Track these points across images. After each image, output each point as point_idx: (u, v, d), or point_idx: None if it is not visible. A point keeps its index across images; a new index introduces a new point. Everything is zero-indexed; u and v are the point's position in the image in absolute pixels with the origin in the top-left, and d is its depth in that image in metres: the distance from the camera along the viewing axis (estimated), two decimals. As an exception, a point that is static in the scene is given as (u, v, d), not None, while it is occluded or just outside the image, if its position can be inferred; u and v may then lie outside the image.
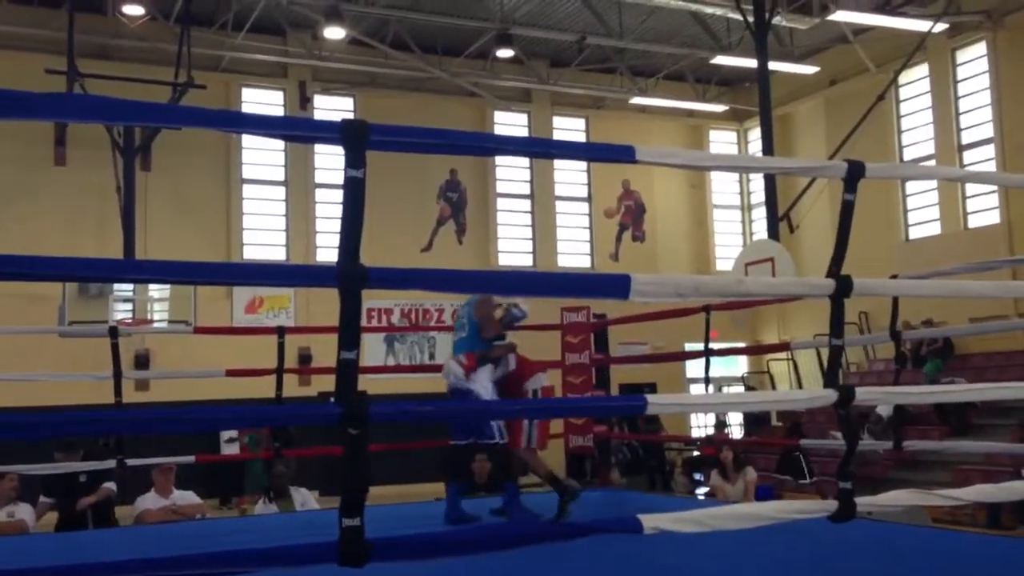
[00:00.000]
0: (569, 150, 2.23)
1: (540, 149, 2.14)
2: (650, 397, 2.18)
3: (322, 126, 2.01)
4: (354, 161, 1.90)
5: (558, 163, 18.76)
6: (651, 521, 2.09)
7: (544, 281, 2.06)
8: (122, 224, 13.84)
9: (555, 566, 3.04)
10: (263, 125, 2.07)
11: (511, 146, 1.99)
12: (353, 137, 1.89)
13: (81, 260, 1.79)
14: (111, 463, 5.95)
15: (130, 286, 13.75)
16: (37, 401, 8.20)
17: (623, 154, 2.15)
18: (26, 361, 11.13)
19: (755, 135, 19.36)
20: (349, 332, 1.90)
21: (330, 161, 16.75)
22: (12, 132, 14.34)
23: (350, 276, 1.88)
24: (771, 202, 13.56)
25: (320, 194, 16.90)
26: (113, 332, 6.06)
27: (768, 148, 13.70)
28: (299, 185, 16.81)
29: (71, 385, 7.96)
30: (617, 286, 2.13)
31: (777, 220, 13.35)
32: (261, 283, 1.91)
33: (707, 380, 6.07)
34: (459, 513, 5.17)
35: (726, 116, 19.91)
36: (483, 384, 5.18)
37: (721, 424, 16.08)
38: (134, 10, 14.05)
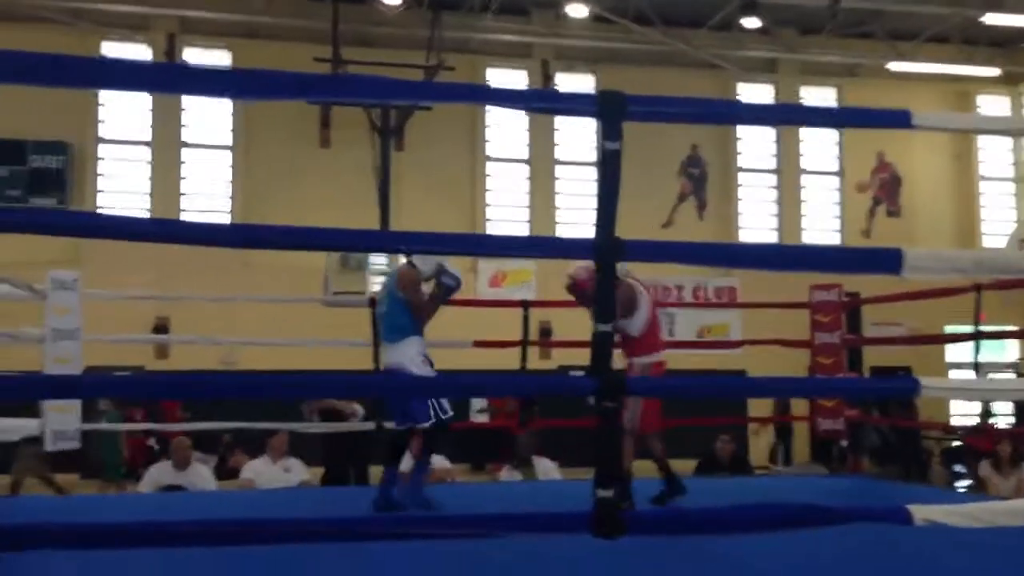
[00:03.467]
0: (834, 118, 2.10)
1: (804, 117, 2.03)
2: (923, 380, 2.03)
3: (578, 99, 2.02)
4: (611, 133, 1.89)
5: (805, 135, 17.95)
6: (922, 512, 1.96)
7: (808, 255, 1.96)
8: (379, 200, 14.68)
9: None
10: (522, 99, 2.10)
11: (771, 115, 1.89)
12: (610, 109, 1.88)
13: (362, 231, 1.90)
14: (371, 425, 6.36)
15: (385, 260, 14.58)
16: (302, 366, 8.88)
17: (897, 120, 2.01)
18: (292, 329, 12.08)
19: (1032, 99, 17.65)
20: (605, 304, 1.90)
21: (571, 138, 16.94)
22: (283, 117, 15.54)
23: (607, 248, 1.88)
24: (1052, 171, 12.28)
25: (560, 171, 17.13)
26: (372, 302, 6.44)
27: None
28: (541, 162, 17.10)
29: (332, 353, 8.58)
30: (888, 261, 2.00)
31: (1058, 192, 12.08)
32: (518, 255, 1.94)
33: (976, 365, 5.60)
34: (388, 500, 4.91)
35: (997, 80, 18.21)
36: (411, 359, 4.85)
37: (987, 414, 14.84)
38: (391, -1, 14.81)
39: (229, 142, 16.10)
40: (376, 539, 2.04)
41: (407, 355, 4.90)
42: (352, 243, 1.89)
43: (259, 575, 3.10)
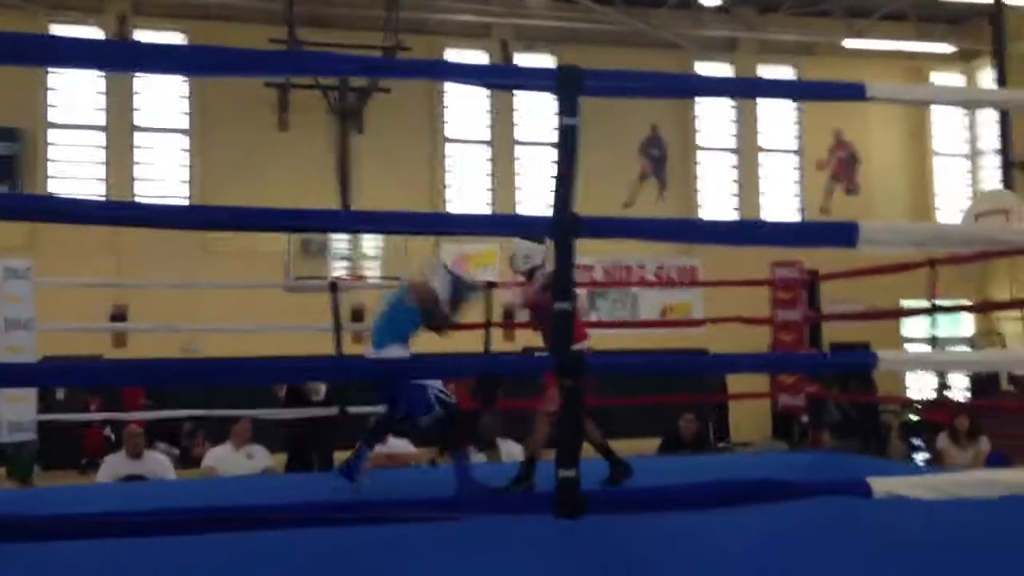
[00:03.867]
0: (792, 90, 2.09)
1: (762, 89, 2.02)
2: (881, 353, 2.04)
3: (536, 74, 1.99)
4: (569, 108, 1.87)
5: (763, 114, 18.08)
6: (882, 485, 1.97)
7: (765, 230, 1.95)
8: (338, 183, 14.56)
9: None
10: (479, 75, 2.06)
11: (728, 88, 1.87)
12: (567, 84, 1.85)
13: (327, 212, 1.85)
14: (334, 411, 6.31)
15: (347, 245, 14.48)
16: (263, 352, 8.79)
17: (852, 92, 2.00)
18: (253, 316, 11.94)
19: (983, 77, 17.86)
20: (563, 282, 1.88)
21: (531, 119, 16.91)
22: (240, 101, 15.33)
23: (565, 225, 1.86)
24: (1005, 148, 12.48)
25: (521, 152, 17.09)
26: (333, 286, 6.39)
27: (1003, 85, 12.59)
28: (502, 144, 17.05)
29: (293, 338, 8.50)
30: (843, 234, 2.00)
31: (1011, 168, 12.28)
32: (477, 232, 1.92)
33: (934, 339, 5.68)
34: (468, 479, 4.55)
35: (951, 57, 18.43)
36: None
37: (943, 387, 15.10)
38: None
39: (185, 126, 15.85)
40: (342, 525, 2.01)
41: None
42: (315, 223, 1.84)
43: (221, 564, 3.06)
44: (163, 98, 15.79)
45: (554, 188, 1.86)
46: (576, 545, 2.69)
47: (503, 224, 1.92)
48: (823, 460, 6.42)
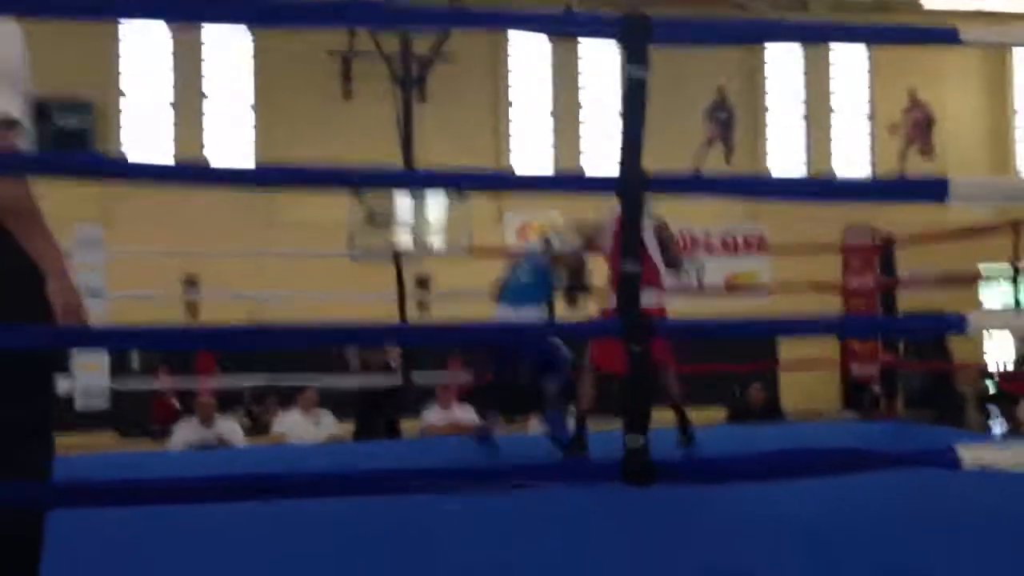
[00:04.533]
0: (877, 36, 1.95)
1: (843, 34, 1.90)
2: (970, 316, 1.92)
3: (599, 21, 1.90)
4: (636, 58, 1.77)
5: (835, 76, 17.57)
6: (971, 454, 1.85)
7: (849, 187, 1.83)
8: (402, 152, 14.56)
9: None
10: (542, 23, 1.98)
11: (804, 33, 1.76)
12: (634, 32, 1.75)
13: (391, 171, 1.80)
14: (399, 380, 6.33)
15: (411, 215, 14.50)
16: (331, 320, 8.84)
17: (943, 36, 1.87)
18: (319, 285, 12.04)
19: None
20: (631, 241, 1.79)
21: (596, 86, 16.70)
22: (304, 70, 15.42)
23: (633, 181, 1.77)
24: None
25: (585, 119, 16.89)
26: (397, 256, 6.36)
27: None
28: (566, 111, 16.87)
29: (359, 307, 8.54)
30: (934, 189, 1.87)
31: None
32: (542, 191, 1.84)
33: (1018, 303, 5.44)
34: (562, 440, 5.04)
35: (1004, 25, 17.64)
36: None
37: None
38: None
39: (251, 96, 15.99)
40: (408, 493, 1.97)
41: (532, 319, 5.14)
42: (378, 181, 1.79)
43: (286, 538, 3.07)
44: (228, 68, 15.96)
45: (621, 143, 1.76)
46: (643, 514, 2.63)
47: (569, 183, 1.84)
48: (900, 430, 6.24)
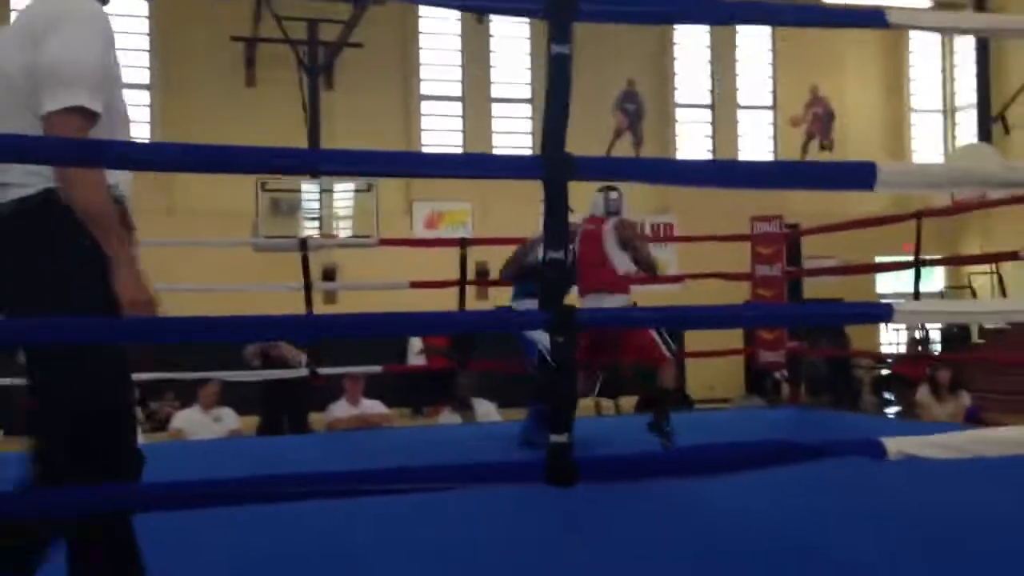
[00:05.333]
0: (810, 17, 1.91)
1: (770, 15, 1.84)
2: (896, 304, 1.89)
3: (523, -3, 1.80)
4: (560, 35, 1.68)
5: (741, 70, 17.90)
6: (897, 445, 1.83)
7: (778, 171, 1.78)
8: (308, 141, 14.23)
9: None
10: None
11: (740, 13, 1.71)
12: (558, 7, 1.66)
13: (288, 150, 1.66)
14: (304, 372, 6.13)
15: (317, 204, 14.19)
16: (234, 312, 8.54)
17: (872, 19, 1.83)
18: (222, 276, 11.69)
19: (961, 31, 17.73)
20: (555, 228, 1.70)
21: (506, 75, 16.63)
22: (205, 54, 14.92)
23: (557, 165, 1.68)
24: (983, 102, 12.37)
25: (496, 109, 16.80)
26: (303, 244, 6.18)
27: (983, 43, 12.46)
28: (476, 100, 16.74)
29: (262, 298, 8.28)
30: (861, 175, 1.83)
31: (990, 122, 12.19)
32: (460, 175, 1.74)
33: (917, 293, 5.57)
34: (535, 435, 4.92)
35: (929, 10, 18.28)
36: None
37: (924, 341, 15.14)
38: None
39: (146, 80, 15.41)
40: (324, 497, 1.84)
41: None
42: (281, 164, 1.67)
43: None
44: (126, 52, 15.33)
45: (545, 123, 1.67)
46: (569, 512, 2.55)
47: (489, 165, 1.75)
48: (807, 416, 6.36)
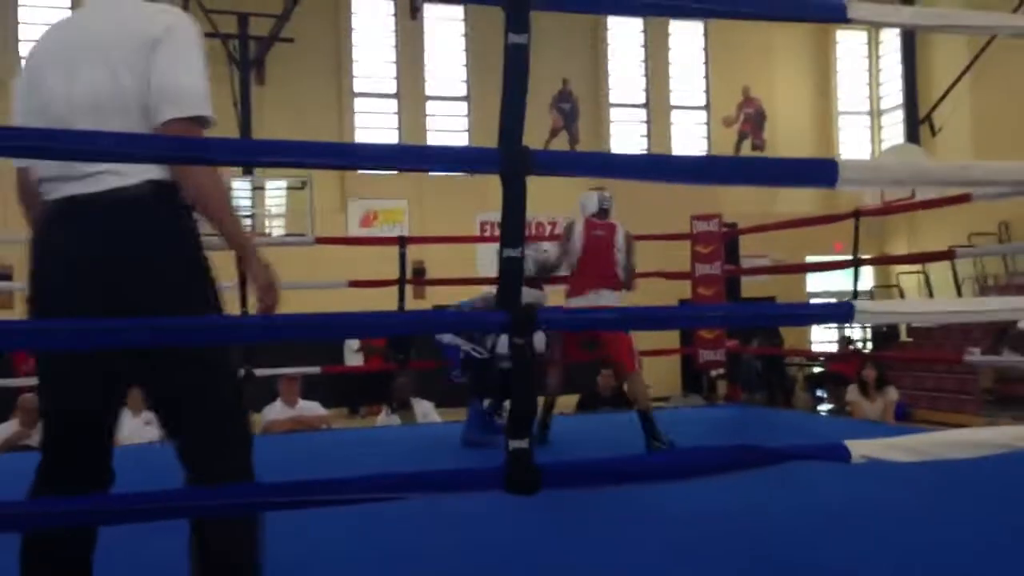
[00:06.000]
0: (767, 9, 1.86)
1: (727, 8, 1.79)
2: (858, 304, 1.86)
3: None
4: (517, 24, 1.60)
5: (675, 71, 18.06)
6: (860, 448, 1.79)
7: (740, 167, 1.74)
8: (240, 136, 13.93)
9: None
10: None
11: (694, 5, 1.65)
12: (516, -5, 1.59)
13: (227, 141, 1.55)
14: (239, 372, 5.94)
15: (249, 201, 13.90)
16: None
17: (831, 12, 1.79)
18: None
19: (887, 35, 18.16)
20: (513, 225, 1.62)
21: (441, 72, 16.52)
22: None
23: (513, 159, 1.60)
24: (911, 104, 12.66)
25: (431, 107, 16.67)
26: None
27: (909, 46, 12.75)
28: (411, 98, 16.59)
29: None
30: (823, 173, 1.80)
31: (917, 123, 12.47)
32: (413, 168, 1.64)
33: (855, 292, 5.63)
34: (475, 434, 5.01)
35: (892, 5, 18.66)
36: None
37: (849, 340, 15.46)
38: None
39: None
40: (271, 509, 1.74)
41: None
42: (208, 154, 1.56)
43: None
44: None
45: (502, 115, 1.59)
46: (529, 520, 2.47)
47: (447, 158, 1.67)
48: (749, 414, 6.40)
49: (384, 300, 6.52)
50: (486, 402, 5.14)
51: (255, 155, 1.68)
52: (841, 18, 1.79)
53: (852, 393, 8.99)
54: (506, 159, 1.61)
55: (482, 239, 12.86)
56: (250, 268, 1.98)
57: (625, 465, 1.69)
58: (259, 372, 5.82)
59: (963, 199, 4.89)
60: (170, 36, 1.94)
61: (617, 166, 1.87)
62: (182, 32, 1.98)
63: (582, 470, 1.66)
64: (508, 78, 1.64)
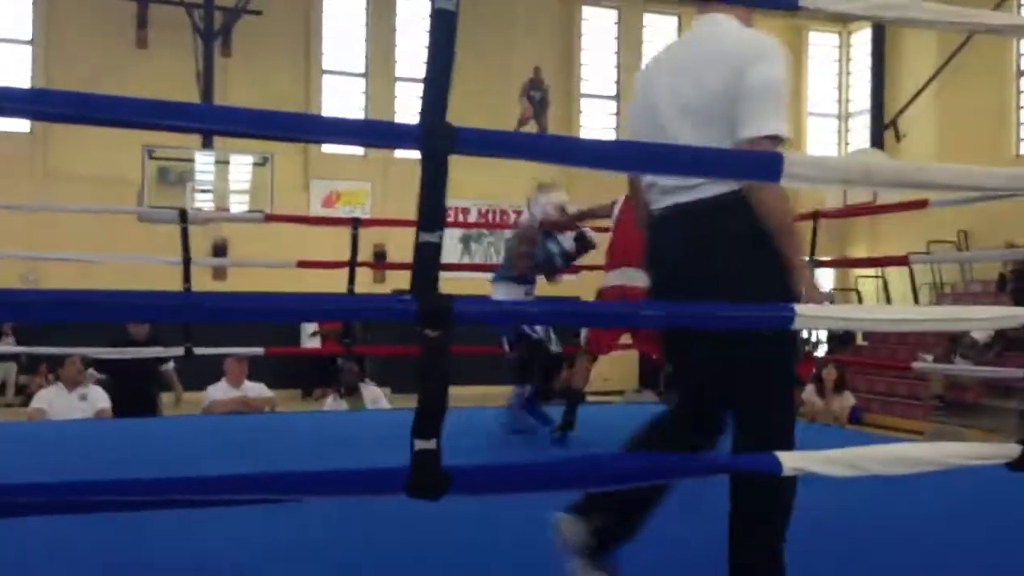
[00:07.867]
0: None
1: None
2: (799, 308, 1.76)
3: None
4: (444, -12, 1.47)
5: (646, 61, 18.01)
6: (793, 461, 1.69)
7: (677, 155, 1.63)
8: (200, 110, 13.64)
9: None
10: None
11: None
12: (443, -44, 1.46)
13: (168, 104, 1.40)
14: (179, 350, 5.76)
15: (211, 176, 13.62)
16: (113, 285, 8.06)
17: (782, 1, 1.69)
18: (105, 246, 11.10)
19: (858, 39, 18.21)
20: (431, 208, 1.50)
21: (413, 53, 16.32)
22: (94, 11, 14.15)
23: (436, 136, 1.47)
24: (877, 108, 12.67)
25: (400, 88, 16.46)
26: (183, 216, 5.80)
27: (879, 51, 12.75)
28: (380, 76, 16.36)
29: (146, 273, 7.83)
30: (766, 165, 1.69)
31: (882, 128, 12.48)
32: (335, 140, 1.52)
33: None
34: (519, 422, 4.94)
35: (828, 19, 18.69)
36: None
37: (804, 341, 15.47)
38: None
39: (29, 35, 14.52)
40: (141, 508, 1.59)
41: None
42: (160, 118, 1.44)
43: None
44: (5, 3, 14.41)
45: (424, 88, 1.46)
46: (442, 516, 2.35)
47: (367, 132, 1.55)
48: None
49: (341, 282, 6.39)
50: (527, 388, 5.04)
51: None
52: (793, 6, 1.68)
53: (808, 394, 8.99)
54: (427, 135, 1.48)
55: (444, 224, 12.68)
56: (795, 285, 2.10)
57: (543, 470, 1.57)
58: (200, 351, 5.66)
59: (922, 204, 4.84)
60: (761, 57, 2.12)
61: (542, 149, 1.75)
62: (773, 51, 2.15)
63: (493, 475, 1.54)
64: (433, 48, 1.51)
